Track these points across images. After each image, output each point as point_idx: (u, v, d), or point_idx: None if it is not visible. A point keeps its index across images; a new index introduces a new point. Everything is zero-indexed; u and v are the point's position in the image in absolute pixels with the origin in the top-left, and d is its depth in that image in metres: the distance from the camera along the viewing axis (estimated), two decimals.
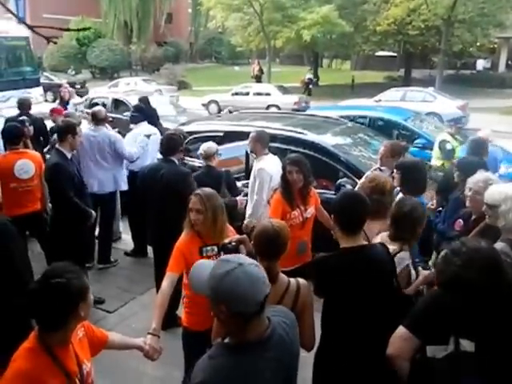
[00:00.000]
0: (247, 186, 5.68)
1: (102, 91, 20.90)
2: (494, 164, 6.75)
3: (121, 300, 5.62)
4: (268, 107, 19.96)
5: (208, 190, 3.49)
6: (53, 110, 8.26)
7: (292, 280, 2.74)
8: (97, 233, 6.43)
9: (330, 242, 4.48)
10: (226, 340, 1.95)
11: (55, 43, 3.40)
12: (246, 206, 5.36)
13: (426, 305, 2.58)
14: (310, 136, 6.25)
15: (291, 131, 6.36)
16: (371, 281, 2.80)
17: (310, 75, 26.23)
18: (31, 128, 6.88)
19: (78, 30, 3.22)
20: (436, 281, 2.69)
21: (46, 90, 18.98)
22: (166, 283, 3.24)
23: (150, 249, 6.04)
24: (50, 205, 5.67)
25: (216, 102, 22.03)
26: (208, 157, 5.40)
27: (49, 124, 7.95)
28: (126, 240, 7.11)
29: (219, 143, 6.43)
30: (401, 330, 2.53)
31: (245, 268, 1.83)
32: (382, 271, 2.87)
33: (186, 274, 3.37)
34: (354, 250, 2.87)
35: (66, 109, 8.71)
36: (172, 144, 5.10)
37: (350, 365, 2.84)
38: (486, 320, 2.37)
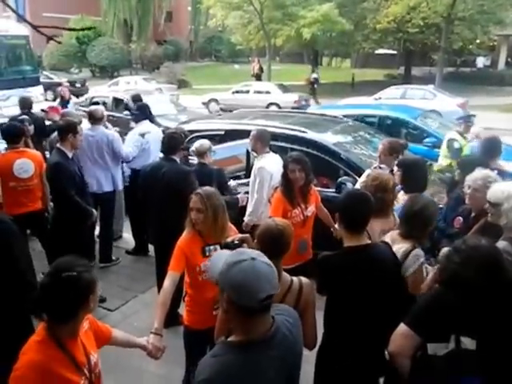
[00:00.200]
0: (242, 185, 5.69)
1: (103, 90, 20.86)
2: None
3: (122, 298, 5.65)
4: (268, 105, 19.97)
5: (208, 188, 3.50)
6: (49, 109, 8.26)
7: (294, 279, 2.75)
8: (97, 232, 6.44)
9: (330, 240, 4.52)
10: (230, 338, 1.96)
11: (59, 43, 3.38)
12: (246, 203, 5.37)
13: (427, 302, 2.59)
14: (311, 134, 6.25)
15: (292, 130, 6.36)
16: (374, 280, 2.80)
17: (315, 75, 25.90)
18: (31, 127, 6.88)
19: (82, 29, 3.23)
20: (438, 278, 2.71)
21: (45, 89, 18.94)
22: (168, 282, 3.24)
23: (151, 247, 6.06)
24: (51, 204, 5.69)
25: (216, 101, 22.01)
26: (201, 154, 5.39)
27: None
28: (128, 238, 7.12)
29: (220, 142, 6.45)
30: (402, 327, 2.54)
31: (255, 263, 1.85)
32: (385, 270, 2.87)
33: (187, 272, 3.38)
34: (358, 249, 2.88)
35: (66, 108, 8.71)
36: (173, 143, 5.10)
37: (353, 363, 2.85)
38: (487, 318, 2.38)
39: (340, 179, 5.59)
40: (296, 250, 3.99)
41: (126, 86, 23.30)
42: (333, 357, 2.94)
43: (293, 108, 17.50)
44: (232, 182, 5.79)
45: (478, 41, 27.88)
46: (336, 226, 4.66)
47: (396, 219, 3.80)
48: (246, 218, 5.23)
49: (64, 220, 5.23)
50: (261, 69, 30.20)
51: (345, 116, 8.50)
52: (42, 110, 8.34)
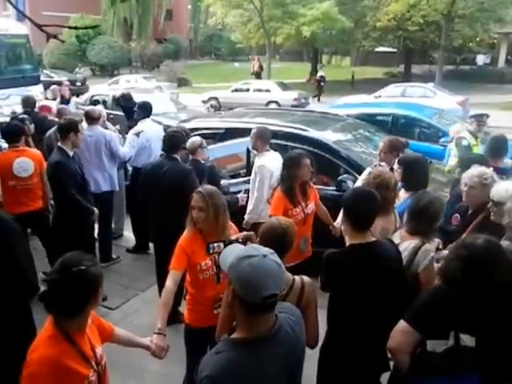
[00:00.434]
0: (234, 185, 5.69)
1: (103, 88, 20.86)
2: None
3: (123, 297, 5.65)
4: (268, 103, 19.97)
5: (210, 187, 3.50)
6: (40, 107, 8.25)
7: (296, 277, 2.76)
8: (96, 231, 6.44)
9: (329, 238, 4.53)
10: (233, 335, 1.97)
11: (63, 41, 3.38)
12: (246, 202, 5.37)
13: (426, 299, 2.59)
14: (312, 132, 6.26)
15: (292, 128, 6.36)
16: (378, 277, 2.82)
17: (322, 73, 25.70)
18: (32, 126, 6.87)
19: (86, 27, 3.22)
20: (440, 275, 2.72)
21: (45, 88, 18.94)
22: (170, 282, 3.24)
23: (151, 245, 6.06)
24: (52, 202, 5.69)
25: (216, 99, 22.01)
26: (192, 150, 5.38)
27: None
28: (128, 237, 7.13)
29: (220, 140, 6.45)
30: (401, 324, 2.55)
31: (265, 260, 1.85)
32: (389, 268, 2.89)
33: (189, 271, 3.39)
34: (363, 247, 2.90)
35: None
36: (174, 142, 5.08)
37: (356, 360, 2.86)
38: (486, 315, 2.39)
39: (340, 177, 5.59)
40: (297, 248, 4.00)
41: (127, 84, 23.27)
42: (336, 354, 2.95)
43: (292, 106, 17.49)
44: (223, 182, 5.75)
45: (478, 39, 27.88)
46: (335, 223, 4.70)
47: (397, 217, 3.81)
48: (246, 216, 5.24)
49: (65, 219, 5.23)
50: (261, 67, 30.21)
51: (356, 115, 8.41)
52: (40, 109, 8.31)
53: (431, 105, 13.92)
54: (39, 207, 5.59)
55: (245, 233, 3.17)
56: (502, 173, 4.64)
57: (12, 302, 3.29)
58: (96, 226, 6.09)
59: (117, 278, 6.04)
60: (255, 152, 5.42)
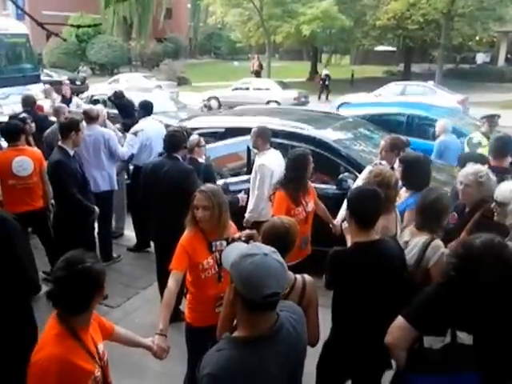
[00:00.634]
0: (231, 184, 5.69)
1: (103, 88, 20.83)
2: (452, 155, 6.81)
3: (124, 295, 5.65)
4: (268, 102, 19.95)
5: (212, 186, 3.50)
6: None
7: (298, 276, 2.76)
8: (96, 231, 6.44)
9: (329, 236, 4.53)
10: (235, 334, 1.98)
11: (65, 40, 3.38)
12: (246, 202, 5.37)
13: (424, 296, 2.61)
14: (312, 131, 6.26)
15: (292, 126, 6.36)
16: (381, 275, 2.83)
17: (326, 71, 25.47)
18: (33, 125, 6.87)
19: (89, 26, 3.23)
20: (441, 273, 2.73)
21: None
22: (172, 282, 3.22)
23: (152, 243, 6.06)
24: (52, 202, 5.68)
25: (216, 98, 22.00)
26: (190, 149, 5.37)
27: None
28: (129, 236, 7.14)
29: (221, 139, 6.45)
30: (399, 319, 2.57)
31: (267, 258, 1.86)
32: (392, 266, 2.90)
33: (190, 271, 3.38)
34: (366, 245, 2.91)
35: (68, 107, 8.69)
36: (175, 141, 5.04)
37: (358, 358, 2.87)
38: (484, 313, 2.39)
39: (341, 176, 5.60)
40: (298, 246, 4.01)
41: (126, 83, 23.26)
42: (338, 352, 2.96)
43: (292, 105, 17.49)
44: (221, 181, 5.74)
45: (477, 37, 27.96)
46: (335, 221, 4.70)
47: (398, 216, 3.81)
48: (246, 215, 5.24)
49: (66, 218, 5.23)
50: (260, 66, 30.23)
51: (368, 115, 8.38)
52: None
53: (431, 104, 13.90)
54: (39, 206, 5.58)
55: (247, 231, 3.16)
56: (506, 173, 4.62)
57: (13, 301, 3.29)
58: (96, 226, 6.10)
59: (117, 277, 6.04)
60: (256, 151, 5.42)
